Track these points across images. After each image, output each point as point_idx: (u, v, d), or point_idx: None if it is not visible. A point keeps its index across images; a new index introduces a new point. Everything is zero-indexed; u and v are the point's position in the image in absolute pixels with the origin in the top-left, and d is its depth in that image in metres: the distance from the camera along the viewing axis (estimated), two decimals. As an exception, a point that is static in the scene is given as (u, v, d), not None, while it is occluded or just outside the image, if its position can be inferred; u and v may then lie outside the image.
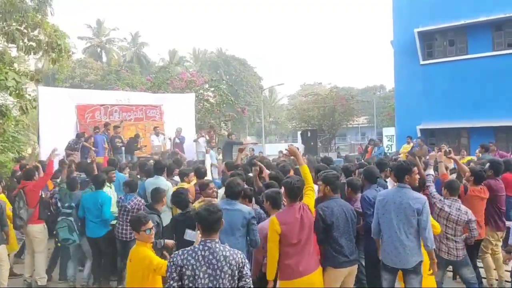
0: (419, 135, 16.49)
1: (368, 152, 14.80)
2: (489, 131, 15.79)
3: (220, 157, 13.24)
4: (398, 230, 4.06)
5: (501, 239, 5.59)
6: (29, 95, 11.86)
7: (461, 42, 17.30)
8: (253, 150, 16.39)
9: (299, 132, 24.68)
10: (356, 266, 4.20)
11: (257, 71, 48.69)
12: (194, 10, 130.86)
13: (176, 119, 13.54)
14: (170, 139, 12.94)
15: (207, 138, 13.43)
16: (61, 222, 5.87)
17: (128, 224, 4.92)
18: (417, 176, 4.66)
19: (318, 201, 4.45)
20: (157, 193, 5.09)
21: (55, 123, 11.04)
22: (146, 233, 3.78)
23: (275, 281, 3.81)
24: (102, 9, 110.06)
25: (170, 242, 4.71)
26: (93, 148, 9.85)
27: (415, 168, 4.56)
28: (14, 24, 10.97)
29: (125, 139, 11.94)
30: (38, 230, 6.03)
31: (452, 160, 6.80)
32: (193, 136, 13.78)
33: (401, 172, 4.24)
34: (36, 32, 11.62)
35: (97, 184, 6.04)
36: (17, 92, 10.58)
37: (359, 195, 4.81)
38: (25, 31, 11.38)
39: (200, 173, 6.03)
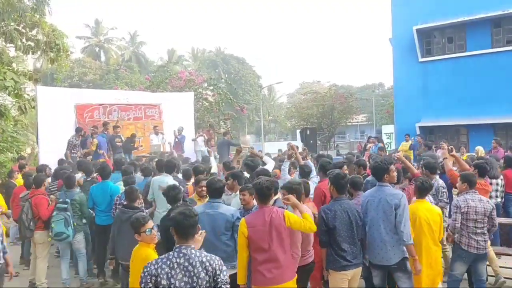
0: (418, 132, 16.45)
1: (367, 150, 14.78)
2: (488, 128, 15.81)
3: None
4: (379, 227, 4.15)
5: None
6: (28, 94, 11.89)
7: (460, 39, 17.27)
8: (252, 148, 16.32)
9: (298, 131, 24.70)
10: (360, 269, 4.18)
11: (256, 70, 48.68)
12: (193, 10, 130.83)
13: (175, 118, 13.55)
14: (169, 143, 12.93)
15: (206, 137, 13.42)
16: (57, 215, 5.88)
17: None
18: (395, 174, 4.69)
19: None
20: (132, 194, 5.20)
21: (54, 123, 11.06)
22: (146, 234, 3.76)
23: None
24: (101, 8, 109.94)
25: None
26: (86, 150, 9.96)
27: (392, 166, 4.62)
28: (12, 23, 10.97)
29: (124, 139, 11.96)
30: (42, 236, 6.11)
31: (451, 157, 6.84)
32: (192, 135, 13.78)
33: (379, 172, 4.34)
34: (34, 32, 11.62)
35: (104, 175, 6.42)
36: (15, 92, 10.59)
37: (360, 192, 4.79)
38: (23, 30, 11.38)
39: (197, 170, 6.13)
